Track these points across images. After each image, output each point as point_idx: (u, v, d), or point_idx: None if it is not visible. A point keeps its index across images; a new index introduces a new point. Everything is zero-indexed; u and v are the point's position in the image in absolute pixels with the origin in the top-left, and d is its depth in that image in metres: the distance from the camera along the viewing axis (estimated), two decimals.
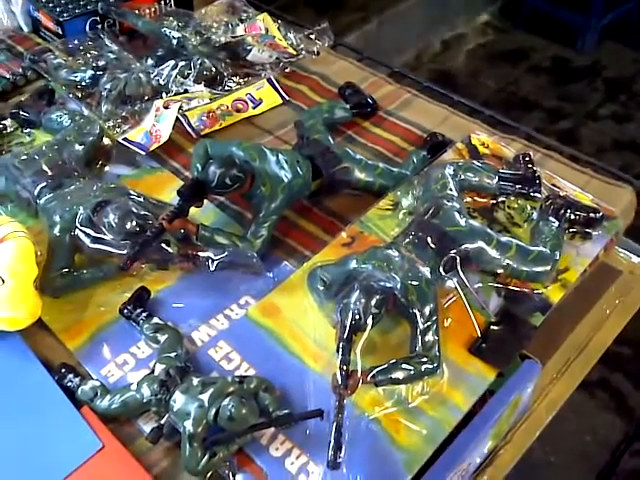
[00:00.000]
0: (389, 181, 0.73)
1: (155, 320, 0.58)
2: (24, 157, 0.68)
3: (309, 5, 2.27)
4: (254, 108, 0.85)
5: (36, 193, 0.65)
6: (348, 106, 0.84)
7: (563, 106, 2.36)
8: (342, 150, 0.74)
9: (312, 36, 0.96)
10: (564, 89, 2.44)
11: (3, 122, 0.80)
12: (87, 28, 0.94)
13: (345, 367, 0.52)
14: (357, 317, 0.53)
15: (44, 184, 0.65)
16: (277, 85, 0.88)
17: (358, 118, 0.85)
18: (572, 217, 0.68)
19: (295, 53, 0.93)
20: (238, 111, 0.84)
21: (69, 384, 0.54)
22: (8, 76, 0.87)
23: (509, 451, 0.62)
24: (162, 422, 0.51)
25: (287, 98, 0.87)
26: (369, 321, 0.53)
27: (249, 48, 0.89)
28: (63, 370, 0.55)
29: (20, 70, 0.88)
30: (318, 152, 0.72)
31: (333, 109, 0.83)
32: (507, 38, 2.72)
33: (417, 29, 2.54)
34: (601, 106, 2.37)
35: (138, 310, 0.59)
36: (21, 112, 0.80)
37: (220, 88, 0.86)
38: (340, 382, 0.51)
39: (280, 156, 0.68)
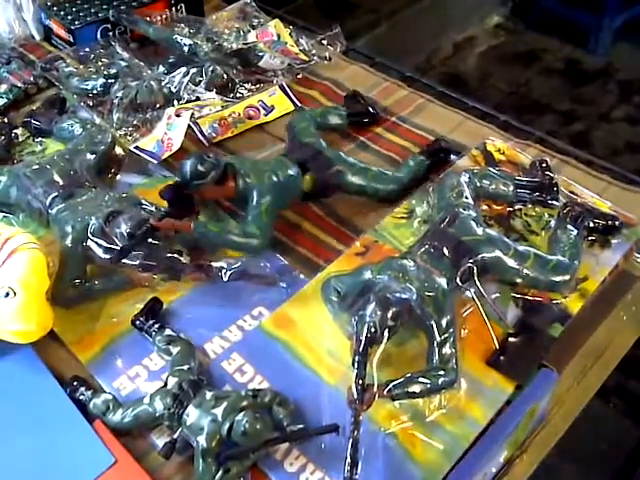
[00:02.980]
0: (382, 184, 0.72)
1: (167, 332, 0.58)
2: (35, 167, 0.68)
3: (319, 9, 2.27)
4: (266, 115, 0.85)
5: (48, 203, 0.65)
6: (345, 113, 0.83)
7: (576, 108, 2.33)
8: (334, 154, 0.73)
9: (324, 41, 0.96)
10: (577, 91, 2.42)
11: (15, 131, 0.80)
12: (98, 36, 0.94)
13: (361, 381, 0.50)
14: (373, 330, 0.52)
15: (55, 194, 0.65)
16: (289, 91, 0.87)
17: (356, 126, 0.83)
18: (591, 225, 0.67)
19: (307, 59, 0.92)
20: (250, 118, 0.83)
21: (81, 397, 0.54)
22: (20, 84, 0.87)
23: (525, 460, 0.60)
24: (175, 436, 0.50)
25: (299, 104, 0.87)
26: (385, 334, 0.53)
27: (261, 54, 0.88)
28: (75, 383, 0.55)
29: (31, 78, 0.88)
30: (309, 156, 0.71)
31: (327, 114, 0.82)
32: (519, 40, 2.70)
33: (428, 32, 2.53)
34: (615, 108, 2.35)
35: (150, 322, 0.58)
36: (33, 121, 0.80)
37: (232, 95, 0.85)
38: (356, 397, 0.50)
39: (271, 162, 0.69)
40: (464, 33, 2.71)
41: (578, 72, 2.51)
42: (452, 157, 0.77)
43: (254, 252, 0.64)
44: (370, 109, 0.84)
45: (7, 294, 0.54)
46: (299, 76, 0.91)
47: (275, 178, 0.67)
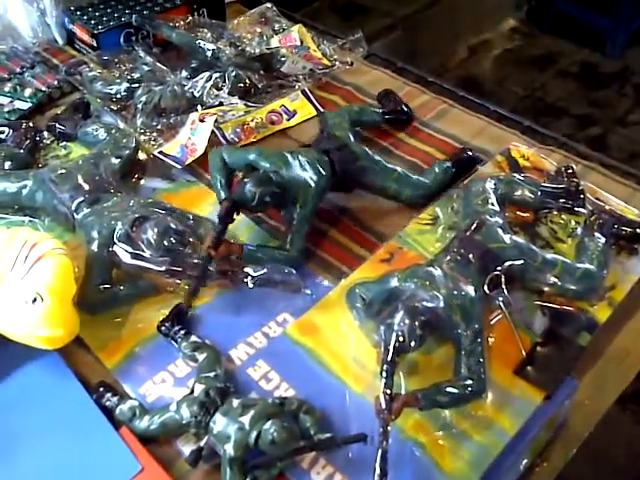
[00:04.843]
0: (405, 187, 0.72)
1: (193, 338, 0.58)
2: (61, 171, 0.68)
3: (335, 12, 2.27)
4: (288, 120, 0.84)
5: (73, 208, 0.65)
6: (381, 111, 0.83)
7: (592, 112, 2.32)
8: (361, 149, 0.72)
9: (345, 46, 0.96)
10: (593, 95, 2.40)
11: (39, 135, 0.80)
12: (121, 40, 0.94)
13: (389, 391, 0.50)
14: (401, 339, 0.52)
15: (81, 199, 0.65)
16: (311, 96, 0.87)
17: (391, 126, 0.84)
18: (618, 232, 0.66)
19: (329, 64, 0.92)
20: (272, 123, 0.83)
21: (107, 403, 0.54)
22: (44, 89, 0.87)
23: (545, 468, 0.60)
24: (202, 444, 0.50)
25: (321, 109, 0.86)
26: (413, 343, 0.52)
27: (283, 59, 0.88)
28: (101, 389, 0.55)
29: (55, 83, 0.88)
30: (335, 147, 0.70)
31: (364, 110, 0.82)
32: (534, 43, 2.68)
33: (443, 35, 2.52)
34: (631, 112, 2.33)
35: (176, 328, 0.58)
36: (57, 125, 0.80)
37: (254, 100, 0.85)
38: (384, 406, 0.49)
39: (301, 158, 0.68)
40: (479, 37, 2.70)
41: (594, 76, 2.49)
42: (478, 167, 0.76)
43: (292, 266, 0.63)
44: (404, 107, 0.84)
45: (35, 300, 0.54)
46: (321, 81, 0.91)
47: (316, 194, 0.67)
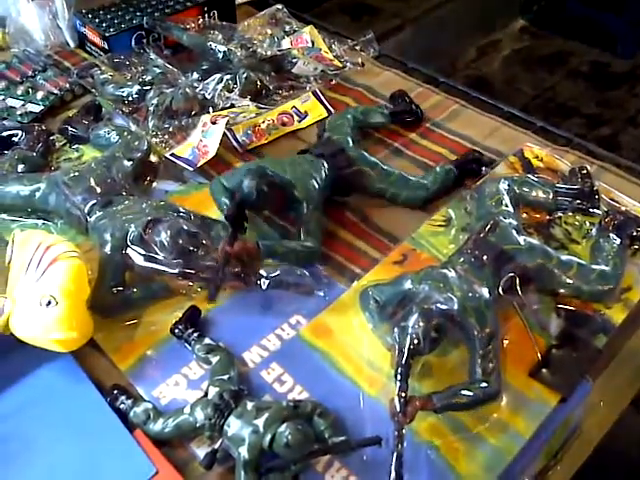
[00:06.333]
0: (402, 190, 0.71)
1: (207, 341, 0.57)
2: (74, 174, 0.68)
3: (344, 12, 2.27)
4: (300, 121, 0.84)
5: (86, 211, 0.65)
6: (388, 111, 0.82)
7: (603, 112, 2.30)
8: (358, 153, 0.72)
9: (357, 47, 0.95)
10: (603, 95, 2.39)
11: (51, 138, 0.80)
12: (133, 43, 0.94)
13: (403, 394, 0.50)
14: (416, 342, 0.51)
15: (94, 202, 0.65)
16: (322, 98, 0.87)
17: (401, 126, 0.83)
18: (634, 233, 0.66)
19: (341, 65, 0.92)
20: (284, 125, 0.83)
21: (121, 406, 0.54)
22: (56, 91, 0.87)
23: (559, 472, 0.59)
24: (216, 447, 0.50)
25: (332, 111, 0.86)
26: (428, 346, 0.52)
27: (294, 61, 0.88)
28: (115, 392, 0.54)
29: (67, 85, 0.88)
30: (331, 152, 0.71)
31: (369, 112, 0.81)
32: (544, 43, 2.67)
33: (452, 35, 2.51)
34: None
35: (189, 330, 0.58)
36: (69, 128, 0.80)
37: (265, 101, 0.85)
38: (398, 409, 0.49)
39: (298, 160, 0.70)
40: (488, 37, 2.69)
41: (605, 75, 2.48)
42: (484, 169, 0.76)
43: (314, 261, 0.65)
44: (414, 107, 0.84)
45: (49, 302, 0.54)
46: (332, 82, 0.91)
47: (317, 185, 0.67)
